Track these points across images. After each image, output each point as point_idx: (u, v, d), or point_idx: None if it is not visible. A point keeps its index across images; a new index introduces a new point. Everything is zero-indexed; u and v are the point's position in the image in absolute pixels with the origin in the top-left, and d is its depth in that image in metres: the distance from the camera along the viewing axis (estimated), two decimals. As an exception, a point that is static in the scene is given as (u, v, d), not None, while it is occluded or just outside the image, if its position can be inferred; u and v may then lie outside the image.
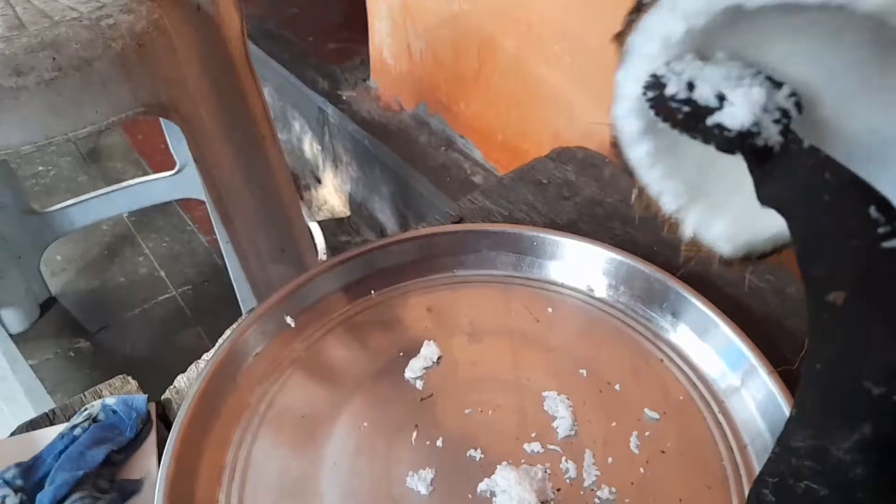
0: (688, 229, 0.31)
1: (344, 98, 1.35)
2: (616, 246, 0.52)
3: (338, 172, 1.46)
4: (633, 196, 0.32)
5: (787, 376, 0.42)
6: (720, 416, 0.44)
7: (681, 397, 0.45)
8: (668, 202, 0.31)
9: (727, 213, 0.31)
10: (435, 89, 1.17)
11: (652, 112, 0.27)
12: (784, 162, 0.24)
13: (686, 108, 0.26)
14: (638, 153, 0.30)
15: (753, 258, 0.32)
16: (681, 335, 0.48)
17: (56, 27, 0.62)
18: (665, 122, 0.26)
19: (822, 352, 0.24)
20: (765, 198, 0.25)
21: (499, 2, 0.93)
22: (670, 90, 0.25)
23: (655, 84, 0.27)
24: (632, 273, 0.51)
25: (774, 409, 0.42)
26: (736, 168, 0.27)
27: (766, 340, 0.45)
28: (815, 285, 0.24)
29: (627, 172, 0.31)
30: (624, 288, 0.51)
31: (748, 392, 0.44)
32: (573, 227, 0.58)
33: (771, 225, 0.29)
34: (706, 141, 0.26)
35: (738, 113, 0.24)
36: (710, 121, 0.25)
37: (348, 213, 1.50)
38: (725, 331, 0.45)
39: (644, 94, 0.27)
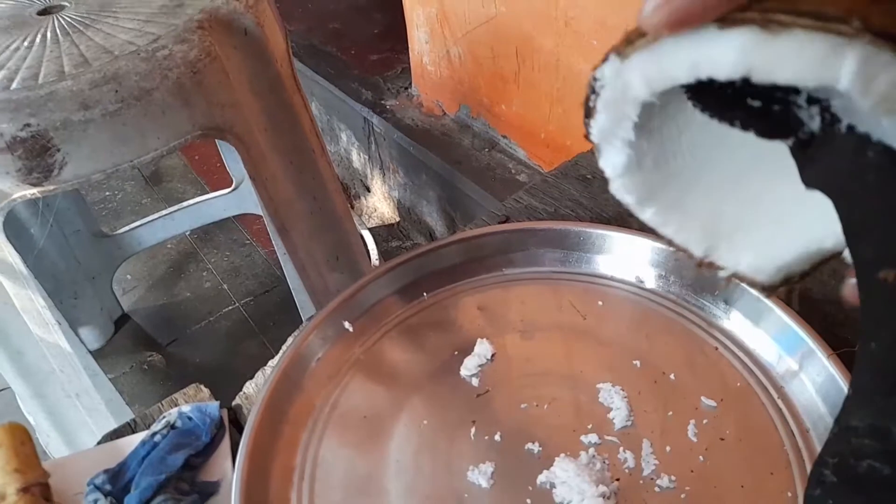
0: (721, 271, 0.32)
1: (388, 107, 1.37)
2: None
3: (386, 180, 1.49)
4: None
5: (848, 358, 0.42)
6: (779, 402, 0.43)
7: (738, 384, 0.45)
8: (695, 249, 0.32)
9: (751, 246, 0.31)
10: (476, 92, 1.19)
11: (692, 100, 0.26)
12: (826, 144, 0.24)
13: (730, 92, 0.25)
14: (646, 216, 0.30)
15: (794, 280, 0.32)
16: (735, 322, 0.48)
17: (117, 61, 0.66)
18: (703, 111, 0.26)
19: (876, 331, 0.24)
20: (808, 181, 0.25)
21: (534, 1, 0.94)
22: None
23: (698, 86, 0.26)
24: (681, 262, 0.51)
25: (835, 391, 0.41)
26: (748, 203, 0.27)
27: (826, 322, 0.45)
28: (865, 265, 0.24)
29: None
30: (674, 278, 0.51)
31: (807, 376, 0.43)
32: (620, 220, 0.58)
33: (799, 245, 0.29)
34: (745, 129, 0.26)
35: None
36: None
37: (398, 219, 1.52)
38: (780, 315, 0.45)
39: (686, 94, 0.26)
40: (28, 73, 0.66)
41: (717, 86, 0.24)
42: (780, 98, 0.24)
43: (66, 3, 0.79)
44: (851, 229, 0.24)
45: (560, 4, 0.89)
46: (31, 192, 0.65)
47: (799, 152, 0.26)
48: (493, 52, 1.08)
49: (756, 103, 0.24)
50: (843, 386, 0.40)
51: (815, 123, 0.24)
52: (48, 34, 0.72)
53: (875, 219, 0.23)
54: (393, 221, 1.53)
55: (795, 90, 0.24)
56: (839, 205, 0.24)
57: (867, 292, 0.24)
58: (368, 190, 1.58)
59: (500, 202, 0.63)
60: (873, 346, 0.24)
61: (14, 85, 0.64)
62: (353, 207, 1.61)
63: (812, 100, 0.24)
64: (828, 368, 0.42)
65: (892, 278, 0.22)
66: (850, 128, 0.23)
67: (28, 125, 0.62)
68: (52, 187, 0.65)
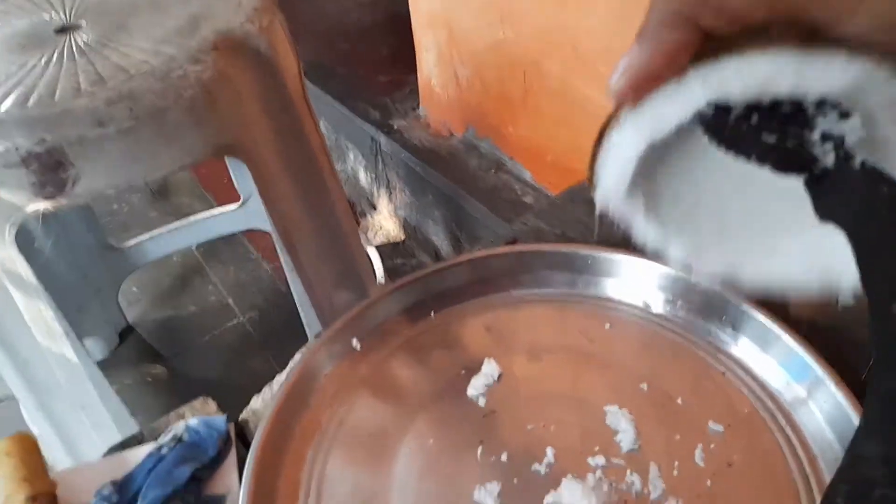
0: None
1: (395, 127, 1.39)
2: (672, 260, 0.52)
3: (392, 198, 1.50)
4: None
5: (856, 387, 0.42)
6: (787, 429, 0.43)
7: (745, 410, 0.45)
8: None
9: (757, 275, 0.31)
10: (483, 114, 1.20)
11: (708, 135, 0.27)
12: (839, 178, 0.25)
13: (745, 128, 0.26)
14: (649, 237, 0.31)
15: None
16: (742, 348, 0.48)
17: (132, 80, 0.67)
18: (719, 147, 0.26)
19: (890, 365, 0.24)
20: (822, 213, 0.26)
21: (542, 26, 0.95)
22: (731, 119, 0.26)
23: (713, 113, 0.26)
24: (689, 288, 0.51)
25: (844, 420, 0.41)
26: (758, 232, 0.28)
27: (833, 351, 0.45)
28: (879, 299, 0.24)
29: None
30: (682, 303, 0.51)
31: (816, 404, 0.43)
32: (628, 244, 0.58)
33: (811, 276, 0.29)
34: (760, 164, 0.26)
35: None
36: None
37: (403, 237, 1.53)
38: (788, 342, 0.45)
39: (704, 131, 0.27)
40: (45, 91, 0.67)
41: (733, 122, 0.25)
42: (795, 134, 0.25)
43: (83, 23, 0.81)
44: (865, 263, 0.24)
45: (568, 31, 0.91)
46: (44, 205, 0.66)
47: (813, 186, 0.26)
48: (501, 75, 1.09)
49: (771, 139, 0.25)
50: (852, 414, 0.40)
51: (829, 159, 0.25)
52: (65, 52, 0.74)
53: (888, 252, 0.23)
54: (398, 240, 1.54)
55: (810, 126, 0.25)
56: (853, 238, 0.25)
57: (881, 326, 0.24)
58: (374, 208, 1.59)
59: (506, 223, 0.64)
60: (884, 378, 0.24)
61: (31, 102, 0.65)
62: (359, 225, 1.62)
63: (826, 136, 0.25)
64: (836, 396, 0.42)
65: None
66: (864, 164, 0.24)
67: (43, 140, 0.63)
68: (64, 201, 0.65)
